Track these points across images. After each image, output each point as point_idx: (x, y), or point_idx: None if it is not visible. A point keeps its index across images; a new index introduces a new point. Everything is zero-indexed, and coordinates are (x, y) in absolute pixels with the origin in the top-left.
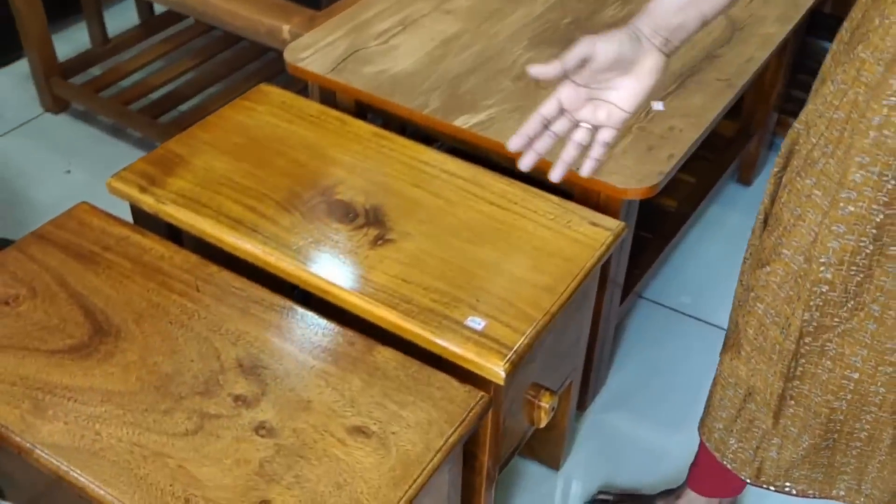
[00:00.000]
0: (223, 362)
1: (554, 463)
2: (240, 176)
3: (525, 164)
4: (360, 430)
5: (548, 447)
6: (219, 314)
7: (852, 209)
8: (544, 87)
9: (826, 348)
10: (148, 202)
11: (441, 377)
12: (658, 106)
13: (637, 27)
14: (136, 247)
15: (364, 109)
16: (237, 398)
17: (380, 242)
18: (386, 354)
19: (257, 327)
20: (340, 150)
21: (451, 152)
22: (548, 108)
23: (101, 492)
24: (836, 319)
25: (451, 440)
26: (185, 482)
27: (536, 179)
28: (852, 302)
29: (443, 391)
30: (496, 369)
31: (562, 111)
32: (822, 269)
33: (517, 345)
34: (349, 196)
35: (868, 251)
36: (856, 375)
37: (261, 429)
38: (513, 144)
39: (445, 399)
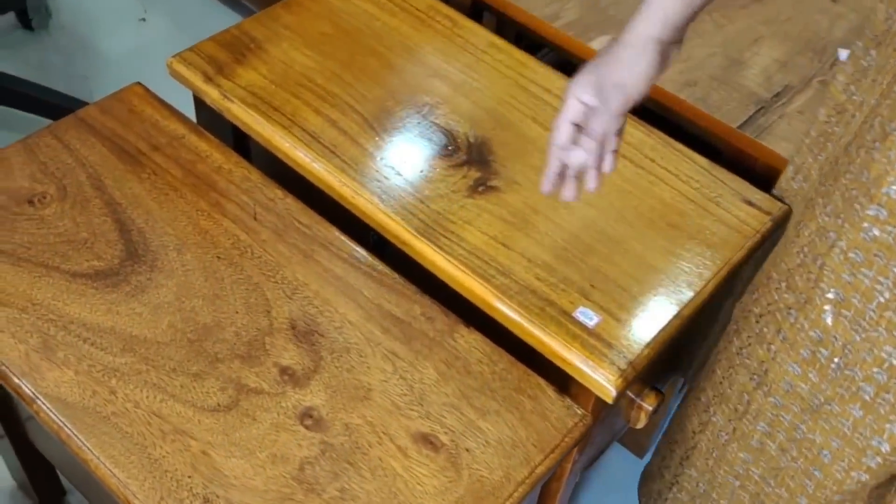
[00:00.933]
0: (273, 320)
1: (639, 451)
2: (324, 77)
3: (568, 195)
4: (426, 439)
5: (635, 435)
6: (276, 254)
7: None
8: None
9: None
10: (212, 95)
11: (535, 382)
12: (843, 55)
13: (648, 35)
14: (191, 151)
15: (480, 8)
16: (284, 371)
17: (481, 189)
18: (471, 340)
19: (320, 279)
20: (447, 58)
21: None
22: (562, 136)
23: (106, 470)
24: None
25: (538, 471)
26: (206, 475)
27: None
28: None
29: (535, 402)
30: (606, 384)
31: (577, 127)
32: None
33: (636, 356)
34: (451, 122)
35: None
36: None
37: (307, 417)
38: (546, 189)
39: (537, 413)
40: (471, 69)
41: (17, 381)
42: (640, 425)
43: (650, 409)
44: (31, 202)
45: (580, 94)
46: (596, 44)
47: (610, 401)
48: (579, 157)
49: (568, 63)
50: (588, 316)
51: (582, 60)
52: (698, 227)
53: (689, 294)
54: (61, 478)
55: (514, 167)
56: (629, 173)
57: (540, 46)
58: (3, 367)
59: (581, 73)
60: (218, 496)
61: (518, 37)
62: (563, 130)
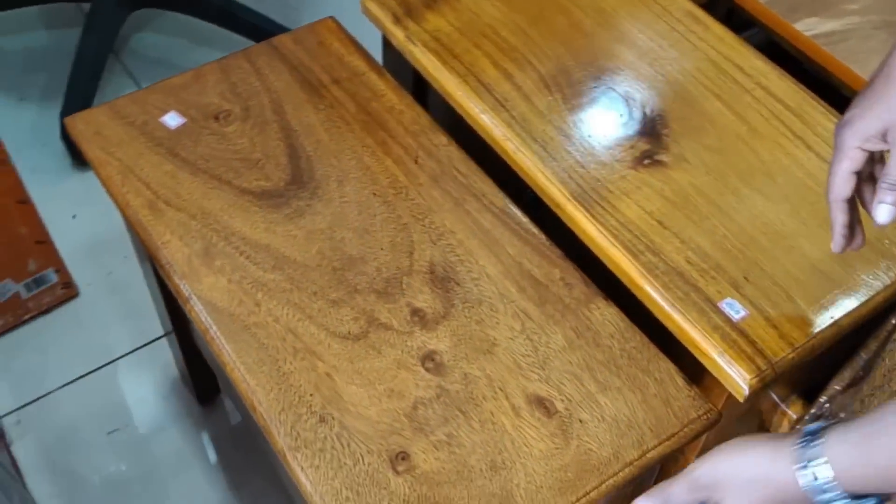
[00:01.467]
0: (414, 262)
1: None
2: (508, 30)
3: (857, 244)
4: (542, 403)
5: None
6: (429, 199)
7: None
8: None
9: None
10: (398, 37)
11: (665, 366)
12: None
13: None
14: (369, 88)
15: None
16: (415, 312)
17: (646, 162)
18: (606, 313)
19: (466, 229)
20: (639, 24)
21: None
22: (845, 189)
23: (239, 375)
24: None
25: (648, 456)
26: (327, 396)
27: None
28: None
29: (661, 386)
30: (740, 382)
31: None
32: None
33: (778, 359)
34: (629, 90)
35: None
36: None
37: (429, 360)
38: (839, 249)
39: (661, 398)
40: (661, 37)
41: (177, 280)
42: (779, 431)
43: (794, 416)
44: (216, 118)
45: (862, 142)
46: (801, 25)
47: (741, 399)
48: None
49: (776, 46)
50: (735, 308)
51: (788, 44)
52: (878, 236)
53: (852, 303)
54: (219, 380)
55: (686, 144)
56: (813, 167)
57: (749, 26)
58: (168, 267)
59: (857, 116)
60: (333, 417)
61: (728, 14)
62: (845, 183)
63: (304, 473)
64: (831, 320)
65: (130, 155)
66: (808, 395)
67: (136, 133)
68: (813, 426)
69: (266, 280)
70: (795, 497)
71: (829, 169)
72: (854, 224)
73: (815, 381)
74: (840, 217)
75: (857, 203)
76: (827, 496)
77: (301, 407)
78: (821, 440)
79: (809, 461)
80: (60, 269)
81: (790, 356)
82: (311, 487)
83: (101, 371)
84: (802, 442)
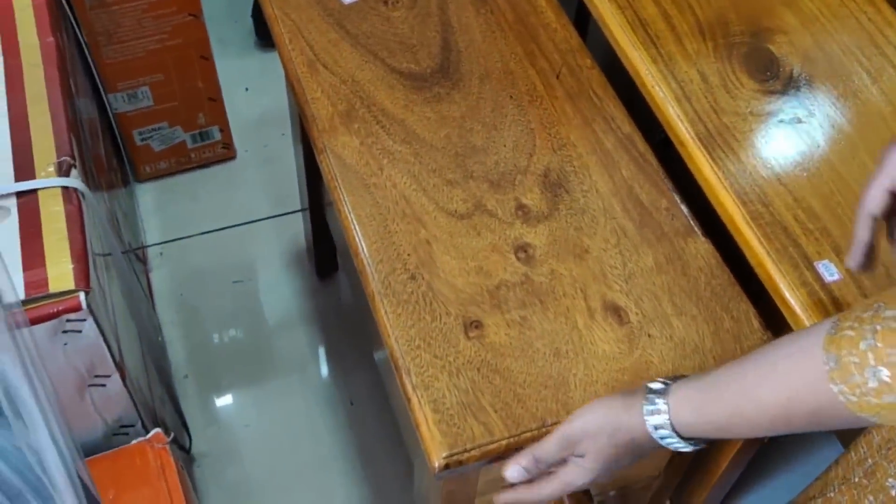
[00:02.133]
0: (532, 163)
1: None
2: None
3: (869, 267)
4: (617, 311)
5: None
6: (560, 112)
7: None
8: None
9: None
10: None
11: (745, 308)
12: None
13: None
14: (530, 3)
15: None
16: (521, 207)
17: (780, 120)
18: (701, 249)
19: (588, 146)
20: None
21: None
22: (879, 204)
23: (350, 223)
24: None
25: None
26: (422, 257)
27: None
28: None
29: (736, 324)
30: None
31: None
32: None
33: None
34: (783, 51)
35: None
36: None
37: (522, 251)
38: (854, 265)
39: (732, 334)
40: (829, 9)
41: (317, 133)
42: None
43: None
44: (386, 2)
45: None
46: None
47: None
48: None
49: None
50: (830, 270)
51: None
52: None
53: None
54: (339, 257)
55: (825, 112)
56: None
57: None
58: (312, 120)
59: None
60: (423, 278)
61: None
62: (880, 199)
63: (387, 317)
64: None
65: (303, 19)
66: None
67: (313, 2)
68: (657, 384)
69: (394, 150)
70: (644, 439)
71: (868, 182)
72: (873, 246)
73: None
74: (863, 234)
75: (880, 226)
76: (667, 441)
77: (397, 262)
78: (664, 398)
79: (654, 413)
80: (225, 129)
81: None
82: (390, 330)
83: (240, 228)
84: (650, 396)
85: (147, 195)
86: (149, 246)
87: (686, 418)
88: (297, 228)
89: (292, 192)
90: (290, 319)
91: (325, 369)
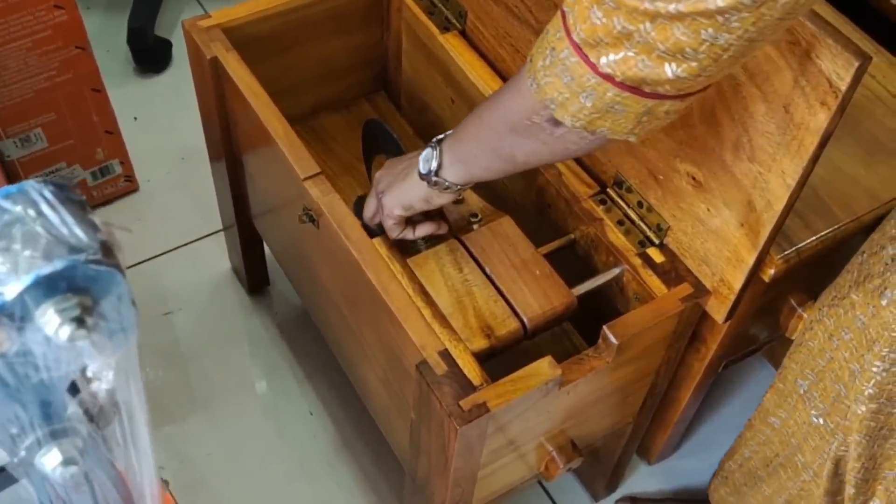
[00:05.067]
0: None
1: (648, 456)
2: None
3: None
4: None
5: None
6: None
7: None
8: None
9: None
10: None
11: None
12: None
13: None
14: None
15: None
16: None
17: None
18: None
19: None
20: None
21: None
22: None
23: None
24: None
25: None
26: None
27: None
28: None
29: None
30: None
31: None
32: None
33: (803, 244)
34: None
35: None
36: None
37: None
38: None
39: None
40: None
41: None
42: (793, 336)
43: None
44: None
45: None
46: None
47: (767, 280)
48: None
49: None
50: None
51: None
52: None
53: (872, 203)
54: (268, 269)
55: None
56: None
57: None
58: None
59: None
60: None
61: None
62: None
63: None
64: (854, 216)
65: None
66: None
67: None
68: (435, 139)
69: None
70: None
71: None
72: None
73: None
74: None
75: None
76: (435, 179)
77: None
78: (438, 147)
79: (429, 160)
80: (125, 161)
81: (814, 244)
82: None
83: (159, 259)
84: (429, 147)
85: None
86: None
87: (448, 159)
88: (216, 250)
89: (206, 215)
90: (230, 341)
91: (276, 384)
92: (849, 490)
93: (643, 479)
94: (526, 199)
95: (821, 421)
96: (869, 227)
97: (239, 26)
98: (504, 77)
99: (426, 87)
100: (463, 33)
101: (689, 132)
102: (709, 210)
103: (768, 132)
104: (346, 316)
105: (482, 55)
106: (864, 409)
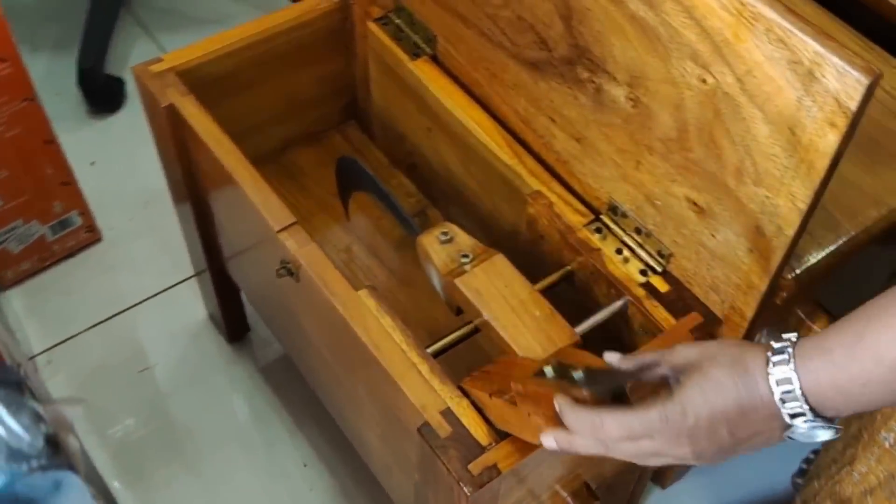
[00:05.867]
0: None
1: (663, 481)
2: None
3: None
4: None
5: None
6: None
7: None
8: None
9: None
10: None
11: None
12: None
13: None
14: None
15: None
16: None
17: None
18: None
19: None
20: None
21: None
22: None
23: None
24: None
25: None
26: None
27: None
28: None
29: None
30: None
31: None
32: None
33: (813, 262)
34: None
35: None
36: None
37: None
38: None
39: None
40: None
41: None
42: None
43: (819, 330)
44: None
45: None
46: None
47: (780, 302)
48: None
49: None
50: None
51: None
52: None
53: (879, 209)
54: (247, 315)
55: None
56: None
57: None
58: None
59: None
60: None
61: None
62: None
63: None
64: (863, 227)
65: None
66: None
67: None
68: (779, 344)
69: None
70: (763, 400)
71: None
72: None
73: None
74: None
75: None
76: (800, 419)
77: None
78: (790, 357)
79: (780, 379)
80: (84, 211)
81: (824, 259)
82: None
83: (129, 312)
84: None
85: (16, 302)
86: (34, 356)
87: (820, 385)
88: (190, 297)
89: (176, 261)
90: (212, 393)
91: (266, 435)
92: None
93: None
94: (516, 232)
95: None
96: (878, 237)
97: (194, 67)
98: (482, 103)
99: (399, 116)
100: (434, 58)
101: (685, 156)
102: (713, 236)
103: (774, 155)
104: (336, 371)
105: (456, 80)
106: None
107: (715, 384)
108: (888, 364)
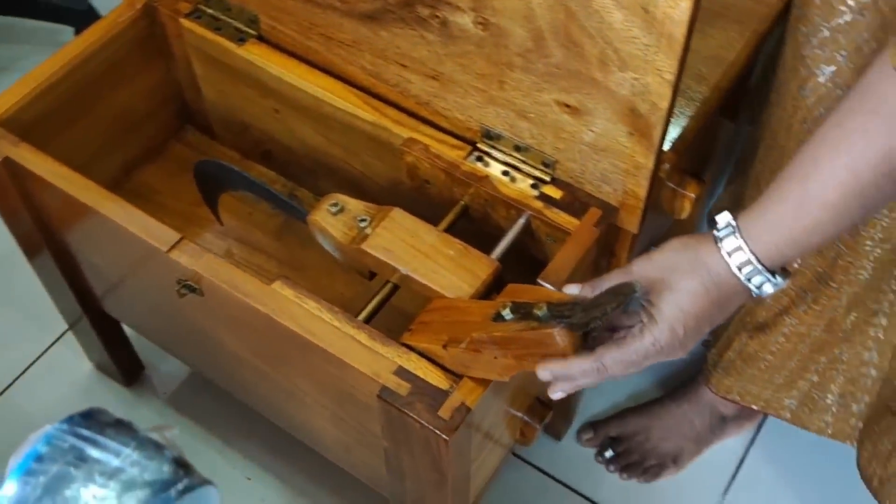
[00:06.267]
0: None
1: (557, 434)
2: None
3: None
4: None
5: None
6: None
7: None
8: None
9: None
10: None
11: None
12: None
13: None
14: None
15: None
16: None
17: None
18: None
19: None
20: None
21: None
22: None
23: None
24: None
25: None
26: None
27: None
28: None
29: None
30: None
31: None
32: None
33: (683, 128)
34: None
35: None
36: None
37: None
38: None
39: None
40: None
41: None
42: (684, 215)
43: (694, 196)
44: None
45: None
46: None
47: (664, 175)
48: None
49: None
50: None
51: None
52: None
53: (721, 67)
54: (139, 353)
55: None
56: None
57: None
58: None
59: None
60: None
61: None
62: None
63: None
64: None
65: None
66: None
67: None
68: (722, 221)
69: None
70: (729, 284)
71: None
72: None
73: (701, 162)
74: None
75: None
76: (756, 279)
77: None
78: (735, 231)
79: (733, 251)
80: None
81: (691, 126)
82: None
83: (7, 393)
84: (720, 234)
85: None
86: None
87: (765, 245)
88: (70, 354)
89: (42, 321)
90: None
91: (198, 464)
92: None
93: (594, 400)
94: (397, 185)
95: None
96: (727, 95)
97: (14, 115)
98: (324, 69)
99: (239, 107)
100: (261, 39)
101: (546, 62)
102: (592, 131)
103: (633, 37)
104: (266, 371)
105: (292, 55)
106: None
107: (687, 294)
108: (833, 203)
